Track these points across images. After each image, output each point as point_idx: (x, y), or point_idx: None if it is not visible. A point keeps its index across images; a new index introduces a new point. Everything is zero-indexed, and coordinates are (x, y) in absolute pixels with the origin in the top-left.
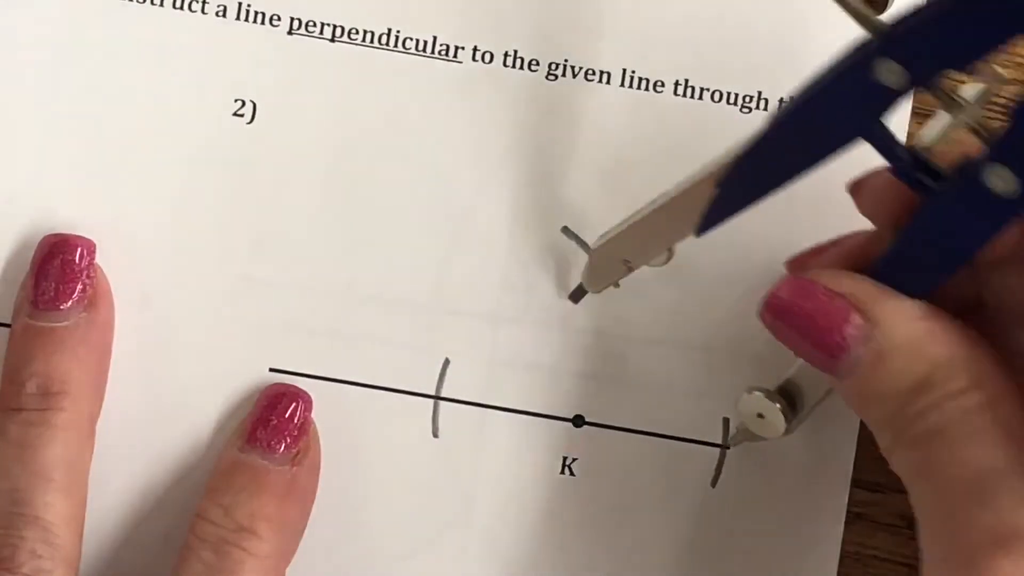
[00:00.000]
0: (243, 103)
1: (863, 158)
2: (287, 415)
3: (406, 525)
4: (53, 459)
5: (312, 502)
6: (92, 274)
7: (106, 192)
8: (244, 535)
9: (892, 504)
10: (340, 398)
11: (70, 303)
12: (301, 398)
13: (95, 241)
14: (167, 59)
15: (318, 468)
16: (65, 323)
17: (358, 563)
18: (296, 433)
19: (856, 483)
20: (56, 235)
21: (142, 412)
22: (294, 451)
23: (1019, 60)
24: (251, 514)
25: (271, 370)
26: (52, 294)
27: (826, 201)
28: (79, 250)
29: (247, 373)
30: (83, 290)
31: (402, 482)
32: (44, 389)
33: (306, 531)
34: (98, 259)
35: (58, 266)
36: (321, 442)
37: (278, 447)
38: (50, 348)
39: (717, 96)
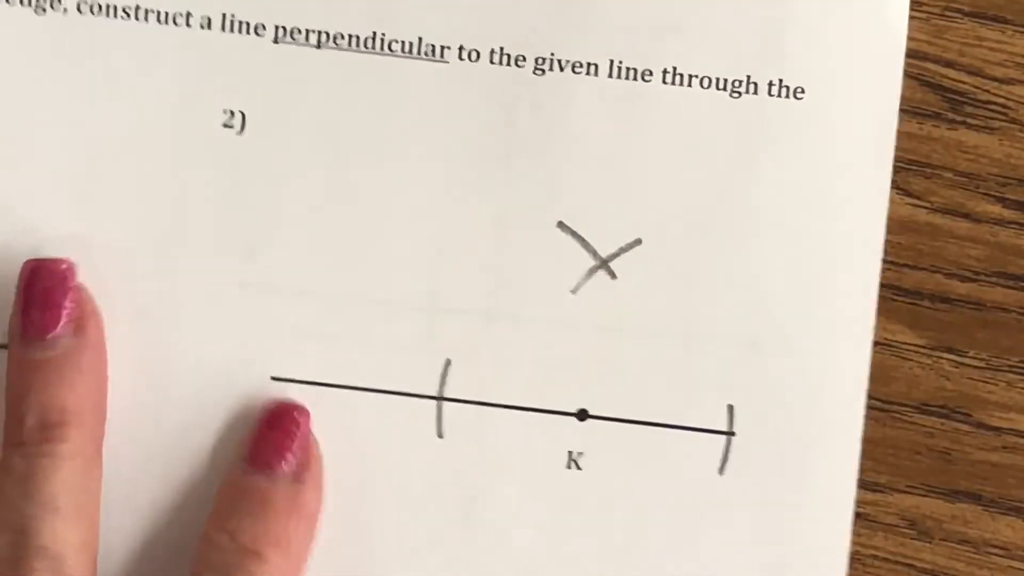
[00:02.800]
0: (232, 114)
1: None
2: (286, 432)
3: (413, 526)
4: (58, 488)
5: (317, 518)
6: (75, 296)
7: (98, 207)
8: (250, 558)
9: (892, 504)
10: (343, 403)
11: (57, 330)
12: (299, 413)
13: (78, 259)
14: (154, 73)
15: (321, 483)
16: (55, 352)
17: (365, 565)
18: (296, 449)
19: (856, 483)
20: (34, 260)
21: (144, 427)
22: (295, 468)
23: (1019, 60)
24: (256, 537)
25: (273, 379)
26: (38, 323)
27: (826, 191)
28: (59, 273)
29: (248, 383)
30: (69, 315)
31: (408, 484)
32: (43, 421)
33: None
34: (92, 274)
35: (39, 293)
36: (325, 448)
37: (279, 465)
38: (43, 379)
39: (706, 82)
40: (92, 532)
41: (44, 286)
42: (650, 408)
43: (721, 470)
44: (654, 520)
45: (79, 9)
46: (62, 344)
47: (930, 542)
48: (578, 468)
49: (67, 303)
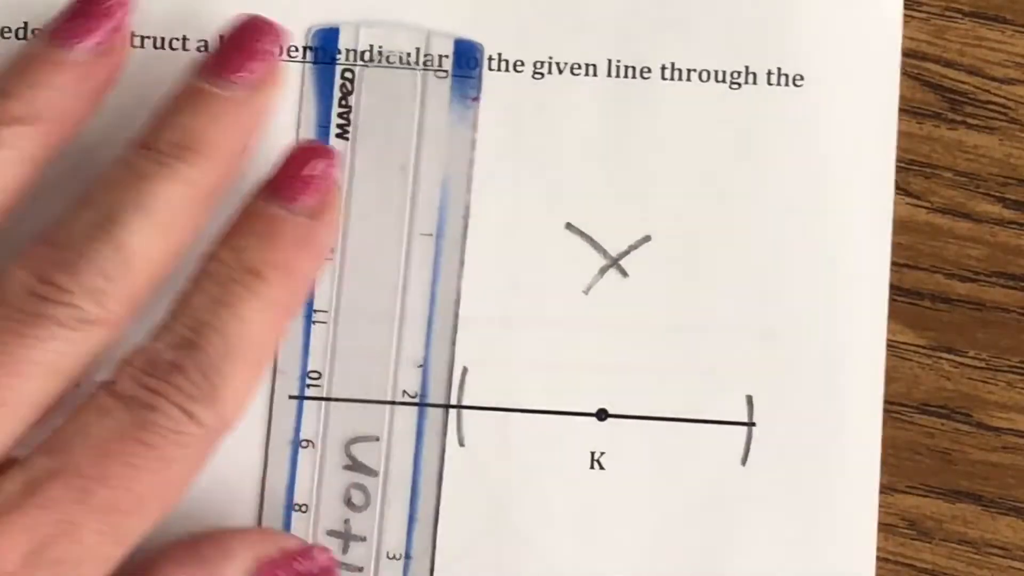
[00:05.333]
0: None
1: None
2: (309, 169)
3: (443, 535)
4: (162, 196)
5: (325, 256)
6: (272, 55)
7: None
8: (249, 276)
9: (892, 504)
10: (364, 418)
11: (246, 73)
12: (326, 154)
13: None
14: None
15: (336, 225)
16: (231, 94)
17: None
18: (318, 187)
19: (880, 467)
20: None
21: None
22: (312, 204)
23: (1019, 60)
24: (261, 258)
25: (290, 397)
26: (234, 64)
27: (831, 177)
28: (273, 32)
29: (264, 401)
30: (255, 70)
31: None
32: (181, 142)
33: None
34: None
35: (249, 41)
36: None
37: (297, 198)
38: (206, 111)
39: (705, 75)
40: (173, 257)
41: (256, 37)
42: (669, 403)
43: (744, 461)
44: (680, 515)
45: None
46: (242, 92)
47: (930, 542)
48: (601, 468)
49: (269, 56)
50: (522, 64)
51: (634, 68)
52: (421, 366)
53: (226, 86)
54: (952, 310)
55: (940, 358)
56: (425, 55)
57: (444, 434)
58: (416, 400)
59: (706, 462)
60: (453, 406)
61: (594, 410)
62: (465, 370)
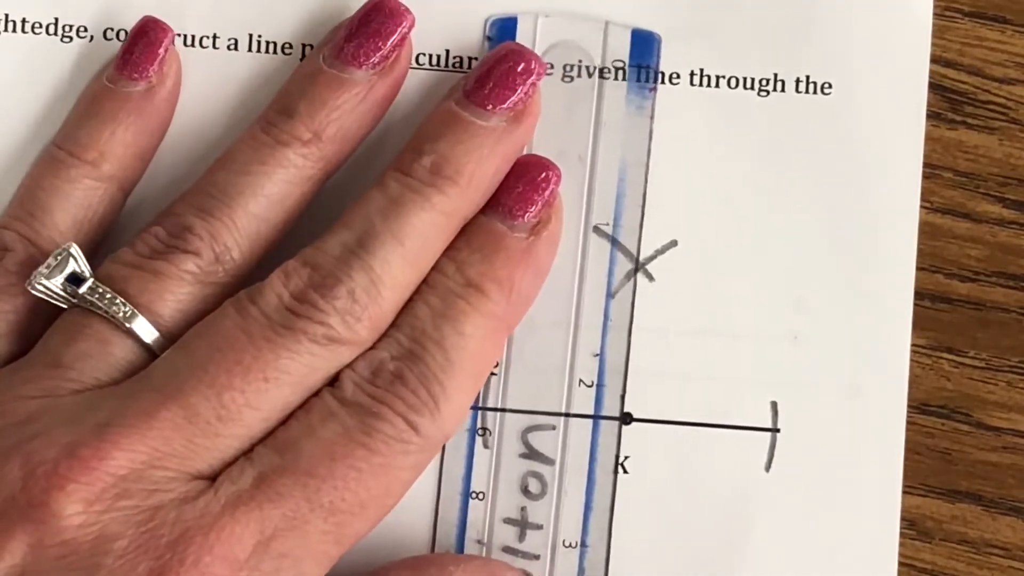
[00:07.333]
0: None
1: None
2: (535, 184)
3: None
4: (414, 224)
5: (546, 275)
6: (531, 91)
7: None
8: (471, 291)
9: None
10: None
11: (500, 108)
12: (552, 172)
13: None
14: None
15: (557, 242)
16: (485, 122)
17: None
18: (541, 205)
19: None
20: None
21: None
22: (535, 221)
23: (1019, 60)
24: (482, 273)
25: None
26: (487, 92)
27: (858, 184)
28: (538, 68)
29: None
30: (516, 102)
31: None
32: (438, 168)
33: (367, 550)
34: None
35: (512, 72)
36: None
37: (521, 216)
38: (460, 135)
39: (733, 82)
40: (414, 282)
41: (521, 68)
42: (694, 408)
43: (767, 467)
44: (702, 520)
45: (105, 36)
46: (503, 123)
47: (930, 542)
48: (625, 472)
49: (532, 89)
50: (552, 67)
51: (663, 73)
52: (597, 355)
53: (488, 117)
54: (952, 310)
55: (940, 358)
56: (603, 46)
57: (621, 423)
58: (592, 389)
59: (730, 468)
60: (479, 408)
61: (619, 414)
62: (491, 373)
